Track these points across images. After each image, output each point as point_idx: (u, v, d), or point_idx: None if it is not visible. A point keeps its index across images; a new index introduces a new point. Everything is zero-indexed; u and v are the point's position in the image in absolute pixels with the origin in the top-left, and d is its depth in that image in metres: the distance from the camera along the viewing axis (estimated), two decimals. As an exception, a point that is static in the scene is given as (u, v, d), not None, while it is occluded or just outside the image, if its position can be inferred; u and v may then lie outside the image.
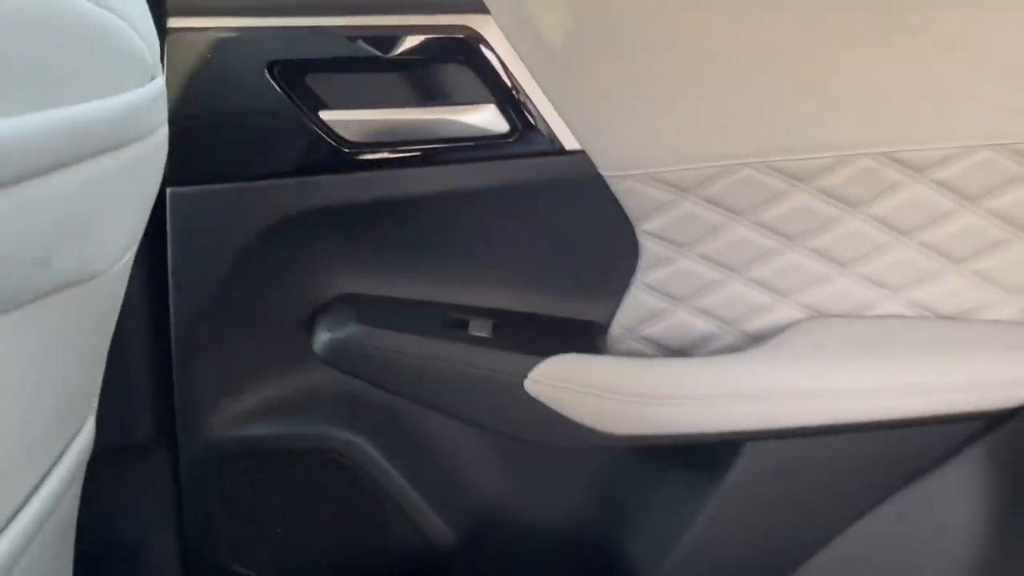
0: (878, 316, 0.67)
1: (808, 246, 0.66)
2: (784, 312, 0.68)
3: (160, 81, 0.41)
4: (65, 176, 0.29)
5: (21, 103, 0.26)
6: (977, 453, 0.66)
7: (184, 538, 0.74)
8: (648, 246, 0.66)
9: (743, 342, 0.70)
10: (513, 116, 0.61)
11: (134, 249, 0.44)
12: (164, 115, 0.42)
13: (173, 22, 0.58)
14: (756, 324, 0.69)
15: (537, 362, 0.64)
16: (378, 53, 0.60)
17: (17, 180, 0.26)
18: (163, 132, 0.43)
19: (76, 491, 0.46)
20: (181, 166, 0.61)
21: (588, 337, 0.70)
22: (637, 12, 0.57)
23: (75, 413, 0.43)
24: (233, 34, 0.59)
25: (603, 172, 0.63)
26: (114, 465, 0.69)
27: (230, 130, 0.61)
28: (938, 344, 0.64)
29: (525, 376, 0.64)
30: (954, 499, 0.67)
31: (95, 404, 0.47)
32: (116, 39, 0.35)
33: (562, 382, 0.64)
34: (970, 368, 0.63)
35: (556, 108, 0.61)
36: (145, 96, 0.39)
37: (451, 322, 0.68)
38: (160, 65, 0.41)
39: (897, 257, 0.65)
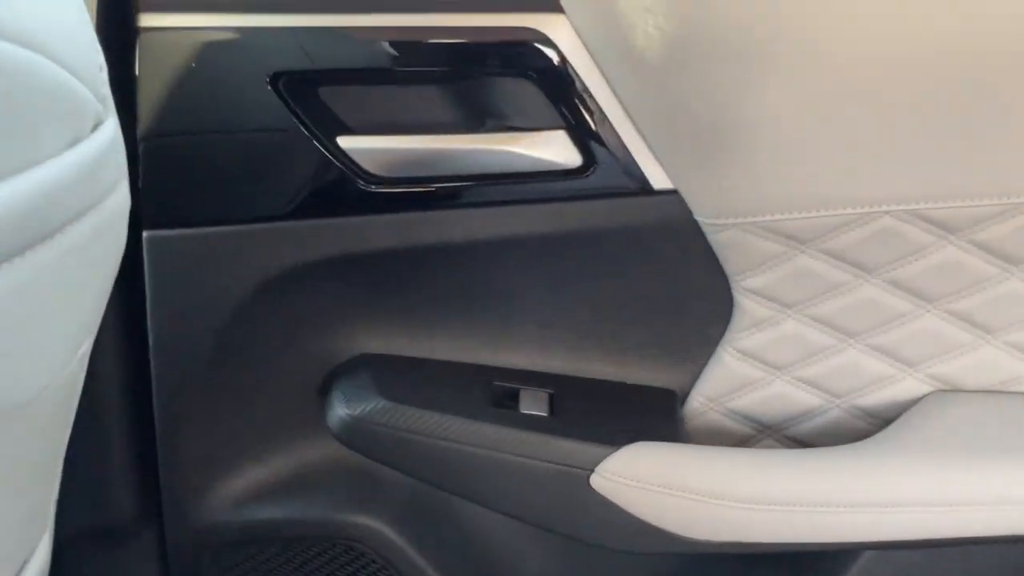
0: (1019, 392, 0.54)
1: (950, 308, 0.52)
2: (908, 385, 0.55)
3: (111, 125, 0.28)
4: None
5: None
6: None
7: None
8: (746, 305, 0.53)
9: (854, 417, 0.57)
10: (588, 146, 0.47)
11: (90, 341, 0.32)
12: (122, 168, 0.29)
13: (146, 19, 0.44)
14: (872, 398, 0.56)
15: (607, 453, 0.51)
16: (414, 63, 0.46)
17: None
18: (122, 190, 0.30)
19: None
20: (159, 204, 0.48)
21: (663, 409, 0.57)
22: (765, 20, 0.43)
23: (26, 537, 0.34)
24: (227, 35, 0.45)
25: (700, 218, 0.49)
26: (91, 549, 0.58)
27: (222, 159, 0.48)
28: None
29: (592, 471, 0.51)
30: None
31: (50, 522, 0.37)
32: (38, 84, 0.22)
33: (636, 478, 0.51)
34: None
35: (645, 137, 0.47)
36: (90, 152, 0.26)
37: (498, 393, 0.55)
38: (108, 101, 0.28)
39: None
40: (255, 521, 0.59)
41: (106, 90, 0.29)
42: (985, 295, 0.51)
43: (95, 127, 0.28)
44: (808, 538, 0.52)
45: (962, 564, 0.55)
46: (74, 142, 0.26)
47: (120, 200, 0.31)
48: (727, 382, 0.56)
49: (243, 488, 0.59)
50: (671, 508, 0.51)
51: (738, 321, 0.54)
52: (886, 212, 0.48)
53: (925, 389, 0.56)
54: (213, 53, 0.45)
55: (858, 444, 0.53)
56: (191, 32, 0.45)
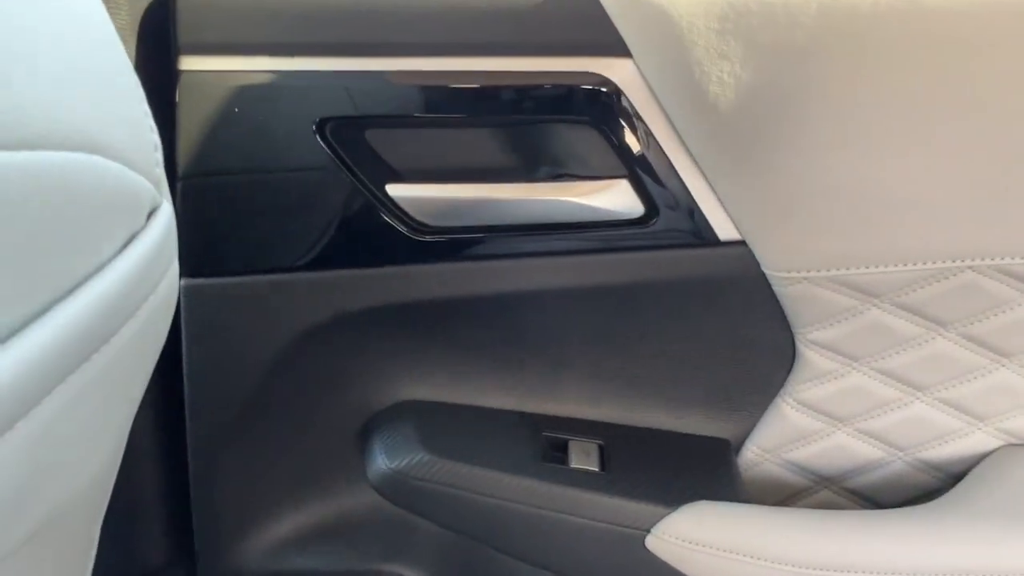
0: None
1: (1026, 363, 0.49)
2: (977, 438, 0.53)
3: (166, 211, 0.25)
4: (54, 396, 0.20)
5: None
6: None
7: None
8: (810, 357, 0.50)
9: (917, 471, 0.54)
10: (651, 195, 0.45)
11: (128, 424, 0.30)
12: (174, 249, 0.27)
13: (187, 63, 0.41)
14: (938, 452, 0.53)
15: (664, 513, 0.49)
16: (468, 109, 0.43)
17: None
18: (173, 269, 0.28)
19: None
20: (197, 252, 0.46)
21: (718, 461, 0.55)
22: (844, 74, 0.40)
23: None
24: (270, 79, 0.42)
25: (768, 271, 0.46)
26: None
27: (264, 205, 0.45)
28: None
29: (648, 531, 0.49)
30: None
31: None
32: (97, 186, 0.20)
33: (697, 540, 0.49)
34: None
35: (713, 187, 0.44)
36: (146, 248, 0.24)
37: (546, 445, 0.53)
38: (163, 183, 0.25)
39: None
40: (290, 570, 0.57)
41: (160, 171, 0.26)
42: None
43: (150, 214, 0.25)
44: None
45: None
46: (130, 238, 0.24)
47: (172, 280, 0.29)
48: (785, 433, 0.54)
49: (278, 536, 0.57)
50: (733, 572, 0.49)
51: (800, 372, 0.51)
52: (968, 267, 0.45)
53: (995, 443, 0.53)
54: (255, 97, 0.43)
55: (929, 505, 0.51)
56: (233, 75, 0.42)
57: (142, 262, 0.24)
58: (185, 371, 0.50)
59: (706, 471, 0.53)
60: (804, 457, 0.55)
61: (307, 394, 0.53)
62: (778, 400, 0.53)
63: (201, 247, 0.46)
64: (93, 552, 0.35)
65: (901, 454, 0.54)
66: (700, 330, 0.50)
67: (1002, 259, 0.45)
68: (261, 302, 0.47)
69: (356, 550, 0.58)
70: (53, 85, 0.19)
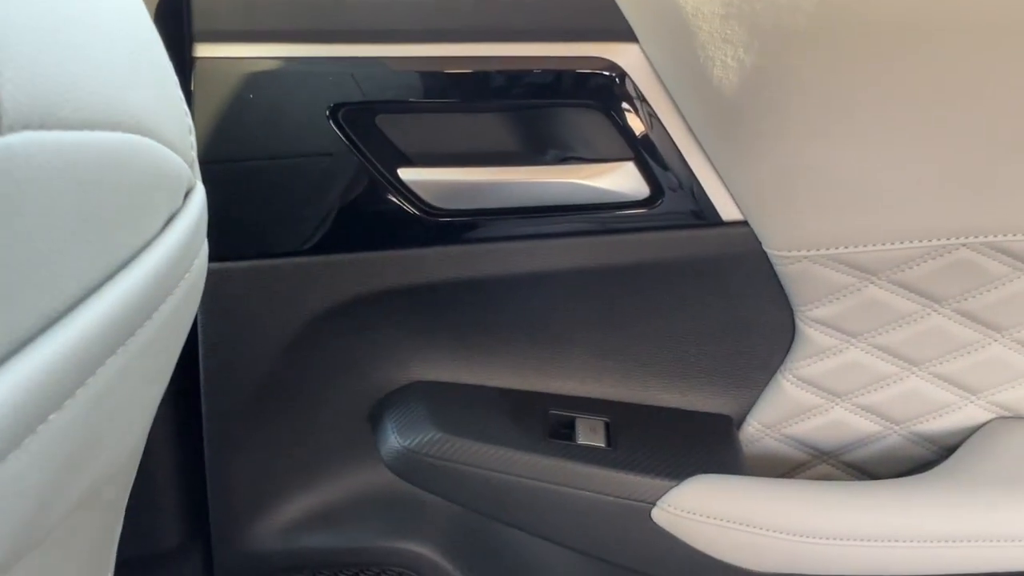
0: None
1: (1018, 337, 0.51)
2: (969, 412, 0.54)
3: (199, 191, 0.27)
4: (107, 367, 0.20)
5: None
6: None
7: None
8: (809, 334, 0.52)
9: (912, 443, 0.56)
10: (657, 177, 0.46)
11: (158, 401, 0.31)
12: (204, 232, 0.28)
13: (201, 49, 0.42)
14: (932, 425, 0.55)
15: (668, 487, 0.50)
16: (479, 94, 0.44)
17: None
18: (204, 249, 0.29)
19: None
20: (213, 236, 0.46)
21: (721, 436, 0.56)
22: (843, 61, 0.41)
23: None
24: (283, 65, 0.43)
25: (769, 250, 0.48)
26: (140, 575, 0.57)
27: (277, 190, 0.46)
28: None
29: (653, 504, 0.50)
30: None
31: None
32: (144, 166, 0.21)
33: (700, 511, 0.50)
34: None
35: (717, 169, 0.45)
36: (186, 226, 0.25)
37: (554, 423, 0.54)
38: (196, 164, 0.26)
39: None
40: (304, 548, 0.59)
41: (194, 153, 0.27)
42: None
43: (187, 194, 0.26)
44: (876, 571, 0.51)
45: None
46: (171, 217, 0.25)
47: (203, 259, 0.30)
48: (784, 409, 0.55)
49: (292, 515, 0.58)
50: (735, 542, 0.50)
51: (800, 349, 0.53)
52: (963, 244, 0.47)
53: (987, 416, 0.55)
54: (269, 83, 0.43)
55: (924, 475, 0.52)
56: (247, 62, 0.43)
57: (181, 240, 0.25)
58: (201, 354, 0.51)
59: (709, 446, 0.54)
60: (803, 432, 0.56)
61: (320, 376, 0.54)
62: (778, 376, 0.54)
63: (217, 232, 0.47)
64: (119, 527, 0.37)
65: (897, 428, 0.56)
66: (703, 309, 0.52)
67: (995, 236, 0.46)
68: (275, 285, 0.48)
69: (368, 528, 0.59)
70: (106, 71, 0.20)
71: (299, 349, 0.51)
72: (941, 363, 0.53)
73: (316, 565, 0.59)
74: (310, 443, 0.56)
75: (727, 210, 0.46)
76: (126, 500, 0.35)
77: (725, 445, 0.55)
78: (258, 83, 0.43)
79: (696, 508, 0.50)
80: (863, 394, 0.54)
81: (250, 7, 0.43)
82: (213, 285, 0.48)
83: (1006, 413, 0.55)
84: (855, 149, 0.43)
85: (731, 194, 0.46)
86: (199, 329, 0.49)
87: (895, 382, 0.54)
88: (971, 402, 0.54)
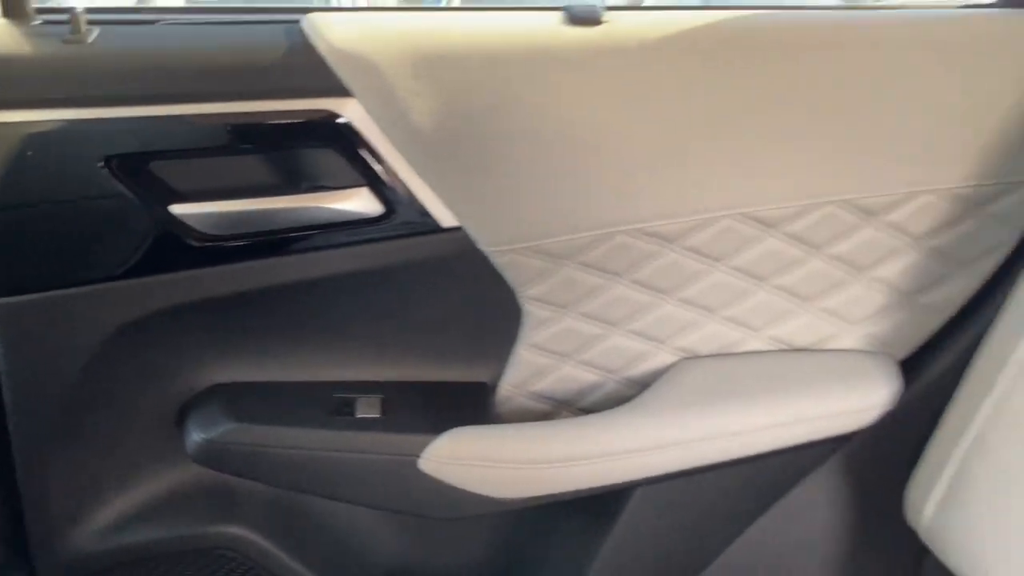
0: (743, 352, 0.73)
1: (679, 297, 0.69)
2: (661, 357, 0.72)
3: None
4: None
5: None
6: (826, 472, 0.73)
7: None
8: (531, 310, 0.67)
9: (626, 387, 0.73)
10: (387, 197, 0.59)
11: None
12: None
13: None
14: (637, 370, 0.72)
15: (429, 440, 0.63)
16: (236, 141, 0.55)
17: None
18: None
19: None
20: (6, 274, 0.54)
21: (478, 399, 0.70)
22: (501, 102, 0.57)
23: None
24: (60, 126, 0.52)
25: (483, 247, 0.62)
26: None
27: (64, 231, 0.54)
28: (793, 378, 0.70)
29: (419, 456, 0.63)
30: (811, 514, 0.75)
31: None
32: None
33: (456, 457, 0.64)
34: (818, 401, 0.70)
35: (432, 188, 0.59)
36: None
37: (337, 403, 0.66)
38: None
39: (757, 301, 0.70)
40: (125, 545, 0.66)
41: None
42: (701, 285, 0.68)
43: None
44: (595, 483, 0.67)
45: (715, 484, 0.72)
46: None
47: None
48: (526, 372, 0.70)
49: (110, 518, 0.65)
50: (489, 477, 0.64)
51: (527, 322, 0.68)
52: (619, 231, 0.64)
53: (673, 359, 0.73)
54: (50, 142, 0.52)
55: (624, 406, 0.69)
56: (25, 125, 0.51)
57: None
58: (3, 382, 0.57)
59: (466, 407, 0.68)
60: (544, 388, 0.71)
61: (122, 389, 0.62)
62: (517, 346, 0.69)
63: (9, 270, 0.54)
64: None
65: (612, 376, 0.72)
66: (447, 299, 0.66)
67: (642, 224, 0.64)
68: (71, 311, 0.56)
69: (184, 519, 0.67)
70: None
71: (98, 367, 0.59)
72: (632, 322, 0.70)
73: (137, 559, 0.66)
74: (120, 450, 0.64)
75: (446, 219, 0.60)
76: None
77: (479, 406, 0.69)
78: (38, 142, 0.52)
79: (452, 454, 0.64)
80: (582, 353, 0.70)
81: (28, 77, 0.51)
82: (8, 317, 0.55)
83: (687, 355, 0.73)
84: (530, 163, 0.59)
85: (446, 206, 0.60)
86: (1, 359, 0.56)
87: (602, 340, 0.70)
88: (661, 350, 0.72)
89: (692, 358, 0.73)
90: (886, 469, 0.72)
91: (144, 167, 0.53)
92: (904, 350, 0.73)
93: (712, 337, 0.72)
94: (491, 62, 0.56)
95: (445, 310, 0.66)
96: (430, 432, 0.64)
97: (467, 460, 0.64)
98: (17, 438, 0.59)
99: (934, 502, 0.61)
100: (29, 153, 0.51)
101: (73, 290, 0.55)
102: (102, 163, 0.52)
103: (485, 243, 0.62)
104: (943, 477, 0.61)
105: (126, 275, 0.56)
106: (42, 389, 0.58)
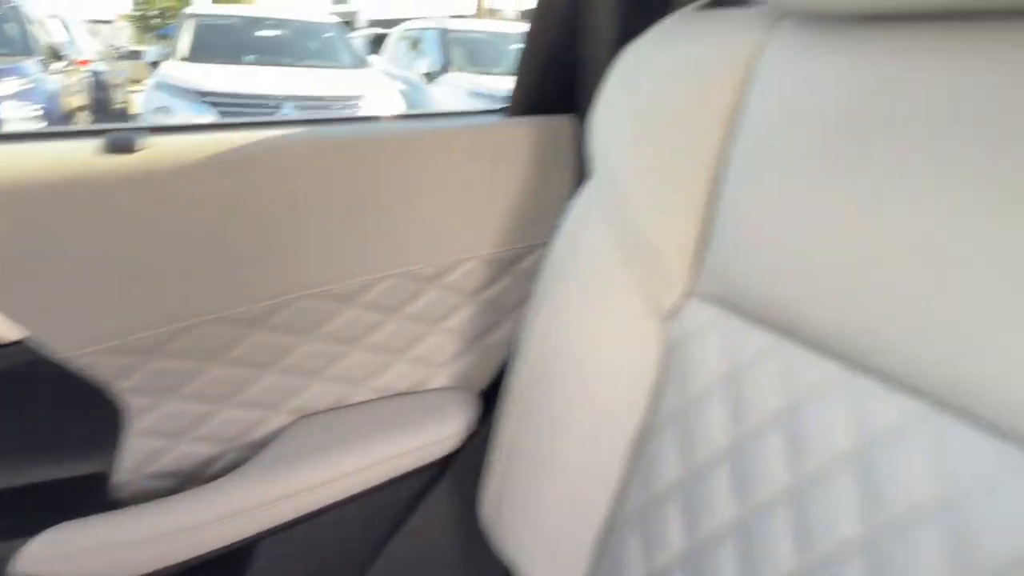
0: (352, 404, 0.85)
1: (280, 367, 0.79)
2: (278, 419, 0.81)
3: None
4: None
5: None
6: (440, 495, 0.87)
7: None
8: (130, 399, 0.73)
9: (249, 452, 0.81)
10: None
11: None
12: None
13: None
14: (256, 435, 0.81)
15: (23, 543, 0.66)
16: None
17: None
18: None
19: None
20: None
21: (94, 491, 0.74)
22: (44, 229, 0.63)
23: None
24: None
25: (61, 354, 0.67)
26: None
27: None
28: (394, 419, 0.84)
29: (9, 560, 0.65)
30: (435, 528, 0.89)
31: None
32: None
33: (61, 553, 0.67)
34: (416, 433, 0.84)
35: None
36: None
37: None
38: None
39: (354, 360, 0.82)
40: None
41: None
42: (297, 354, 0.79)
43: None
44: (216, 545, 0.74)
45: (338, 523, 0.82)
46: None
47: None
48: (140, 456, 0.75)
49: None
50: (105, 562, 0.68)
51: (130, 411, 0.73)
52: (201, 321, 0.72)
53: (289, 420, 0.82)
54: None
55: (240, 468, 0.77)
56: None
57: None
58: None
59: (83, 496, 0.72)
60: (162, 467, 0.77)
61: None
62: (128, 434, 0.74)
63: None
64: None
65: (232, 444, 0.80)
66: (34, 409, 0.69)
67: (220, 313, 0.73)
68: None
69: None
70: None
71: None
72: (239, 395, 0.78)
73: None
74: None
75: (12, 332, 0.64)
76: None
77: (96, 493, 0.73)
78: None
79: (58, 549, 0.67)
80: (195, 430, 0.77)
81: None
82: None
83: (303, 413, 0.83)
84: (83, 276, 0.65)
85: (14, 320, 0.64)
86: None
87: (213, 415, 0.78)
88: (276, 413, 0.81)
89: (308, 416, 0.83)
90: (479, 487, 0.88)
91: None
92: (481, 383, 0.90)
93: (321, 395, 0.83)
94: (27, 193, 0.62)
95: (39, 419, 0.70)
96: (28, 533, 0.66)
97: (76, 551, 0.67)
98: None
99: (489, 501, 0.75)
100: None
101: None
102: None
103: (62, 349, 0.67)
104: (493, 477, 0.75)
105: None
106: None
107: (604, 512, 0.61)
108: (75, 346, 0.67)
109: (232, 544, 0.75)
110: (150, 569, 0.71)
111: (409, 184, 0.79)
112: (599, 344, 0.60)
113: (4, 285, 0.63)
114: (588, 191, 0.63)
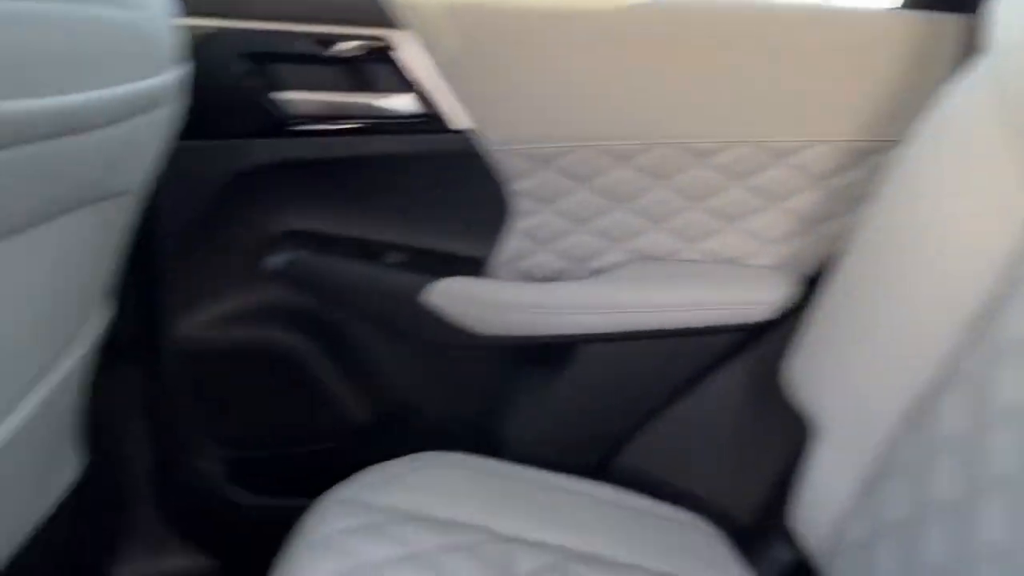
0: (680, 260, 0.95)
1: (630, 207, 0.93)
2: (615, 255, 0.95)
3: (172, 74, 0.61)
4: (115, 128, 0.48)
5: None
6: (739, 364, 0.94)
7: (157, 424, 0.97)
8: (521, 202, 0.92)
9: (586, 275, 0.96)
10: (425, 103, 0.86)
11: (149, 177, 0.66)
12: (174, 96, 0.62)
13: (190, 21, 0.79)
14: (596, 263, 0.96)
15: (433, 281, 0.89)
16: (323, 52, 0.83)
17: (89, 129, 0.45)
18: (175, 105, 0.63)
19: (83, 378, 0.63)
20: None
21: (474, 268, 0.95)
22: (518, 38, 0.83)
23: (96, 305, 0.62)
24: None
25: (491, 147, 0.88)
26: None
27: (211, 103, 0.83)
28: (711, 276, 0.93)
29: (424, 290, 0.89)
30: (735, 387, 0.95)
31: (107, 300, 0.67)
32: (135, 41, 0.55)
33: (452, 296, 0.89)
34: (727, 292, 0.91)
35: (458, 99, 0.85)
36: (157, 84, 0.53)
37: (371, 253, 0.93)
38: (179, 56, 0.63)
39: (693, 217, 0.93)
40: (217, 339, 0.94)
41: (174, 50, 0.64)
42: (647, 198, 0.92)
43: (163, 70, 0.62)
44: (554, 331, 0.91)
45: (645, 351, 0.94)
46: (154, 73, 0.60)
47: (171, 109, 0.65)
48: (511, 252, 0.95)
49: (215, 315, 0.94)
50: (475, 314, 0.90)
51: (516, 211, 0.93)
52: (584, 146, 0.88)
53: (626, 258, 0.96)
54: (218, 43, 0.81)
55: (588, 279, 0.93)
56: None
57: (150, 89, 0.62)
58: (161, 206, 0.87)
59: (465, 269, 0.94)
60: (524, 268, 0.96)
61: (229, 224, 0.90)
62: (507, 230, 0.94)
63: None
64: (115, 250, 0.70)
65: (578, 265, 0.96)
66: (457, 187, 0.91)
67: (600, 142, 0.88)
68: (202, 157, 0.85)
69: (261, 326, 0.95)
70: None
71: (217, 203, 0.87)
72: (593, 222, 0.94)
73: (222, 352, 0.94)
74: (223, 270, 0.92)
75: (464, 122, 0.86)
76: (126, 233, 0.69)
77: (475, 270, 0.95)
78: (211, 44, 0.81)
79: (451, 293, 0.89)
80: (554, 243, 0.95)
81: None
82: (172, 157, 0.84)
83: (638, 256, 0.96)
84: (521, 84, 0.85)
85: (465, 111, 0.86)
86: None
87: (570, 235, 0.94)
88: (615, 248, 0.95)
89: (640, 260, 0.96)
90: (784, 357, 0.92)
91: (260, 64, 0.82)
92: (807, 269, 0.94)
93: (656, 244, 0.95)
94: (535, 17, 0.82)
95: (456, 195, 0.92)
96: (435, 276, 0.90)
97: (460, 299, 0.89)
98: (162, 250, 0.88)
99: (798, 364, 0.79)
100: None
101: (208, 142, 0.84)
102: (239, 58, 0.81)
103: (492, 144, 0.88)
104: (806, 343, 0.79)
105: (240, 135, 0.84)
106: (183, 215, 0.87)
107: (928, 375, 0.61)
108: (502, 141, 0.87)
109: (562, 335, 0.91)
110: (493, 332, 0.90)
111: (780, 62, 0.86)
112: (956, 217, 0.61)
113: (480, 92, 0.85)
114: (973, 79, 0.64)
